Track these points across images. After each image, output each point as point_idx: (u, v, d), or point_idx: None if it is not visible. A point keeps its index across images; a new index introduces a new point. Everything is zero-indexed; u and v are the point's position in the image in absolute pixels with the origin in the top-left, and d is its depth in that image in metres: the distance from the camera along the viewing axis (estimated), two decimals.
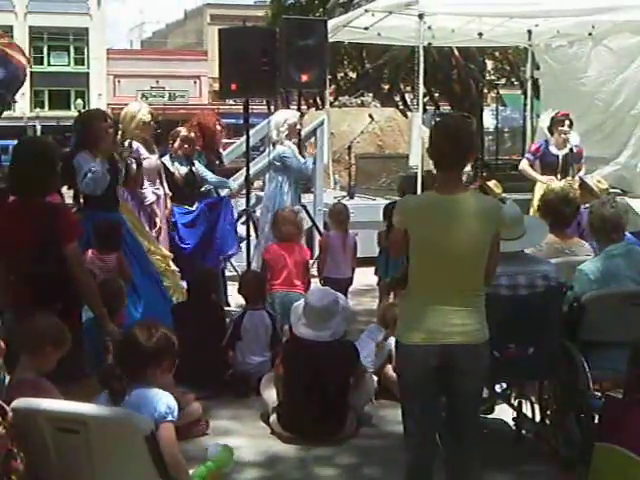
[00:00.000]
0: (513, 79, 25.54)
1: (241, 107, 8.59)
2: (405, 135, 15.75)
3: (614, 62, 11.20)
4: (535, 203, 8.78)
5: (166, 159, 7.44)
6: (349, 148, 12.33)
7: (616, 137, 11.21)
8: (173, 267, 6.91)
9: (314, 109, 19.28)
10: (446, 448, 3.92)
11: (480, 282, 3.78)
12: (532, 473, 4.66)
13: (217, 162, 8.36)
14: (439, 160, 3.76)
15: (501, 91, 27.80)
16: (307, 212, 8.96)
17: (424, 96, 14.64)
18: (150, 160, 7.06)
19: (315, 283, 7.22)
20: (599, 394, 4.52)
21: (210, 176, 7.88)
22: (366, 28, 11.12)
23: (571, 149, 9.26)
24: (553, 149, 9.28)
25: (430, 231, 3.69)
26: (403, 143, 15.67)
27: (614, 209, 4.99)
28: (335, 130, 13.86)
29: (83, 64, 48.97)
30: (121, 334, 4.38)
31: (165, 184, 7.34)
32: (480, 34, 11.37)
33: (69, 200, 6.29)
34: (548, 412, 4.94)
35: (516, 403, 5.02)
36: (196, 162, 7.72)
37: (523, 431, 5.02)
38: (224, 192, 8.17)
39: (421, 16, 9.82)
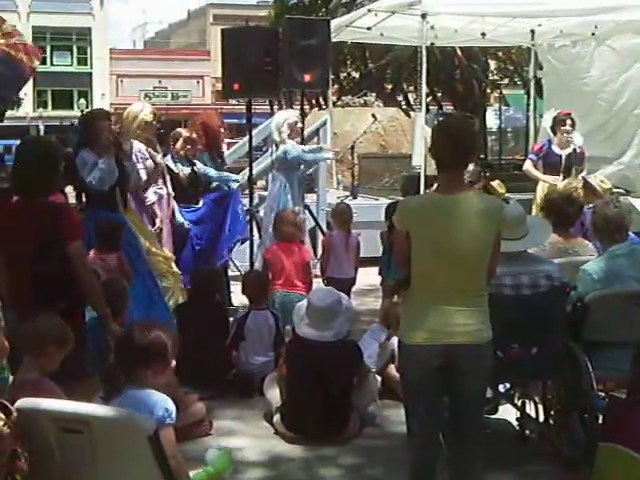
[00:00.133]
0: (516, 79, 25.53)
1: (244, 107, 8.60)
2: (408, 135, 15.75)
3: (617, 62, 11.19)
4: (536, 203, 8.79)
5: (168, 160, 7.43)
6: (352, 148, 12.32)
7: (619, 137, 11.20)
8: (175, 269, 6.90)
9: (317, 109, 19.27)
10: (449, 448, 3.92)
11: (483, 282, 3.78)
12: (535, 473, 4.66)
13: (219, 161, 8.35)
14: (441, 160, 3.75)
15: (504, 91, 27.76)
16: (310, 212, 8.96)
17: (427, 96, 14.65)
18: (151, 161, 7.05)
19: (318, 283, 7.22)
20: (603, 394, 4.52)
21: (213, 172, 7.88)
22: (369, 28, 11.11)
23: (574, 149, 9.24)
24: (556, 149, 9.27)
25: (432, 231, 3.69)
26: (406, 143, 15.67)
27: (617, 209, 4.98)
28: (338, 130, 13.86)
29: (86, 64, 49.03)
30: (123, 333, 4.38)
31: (169, 184, 7.34)
32: (483, 34, 11.37)
33: (72, 200, 6.31)
34: (552, 412, 4.94)
35: (520, 403, 5.02)
36: (197, 162, 7.71)
37: (527, 431, 5.01)
38: (234, 185, 8.14)
39: (424, 16, 9.81)
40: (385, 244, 7.37)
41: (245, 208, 8.37)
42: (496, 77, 27.16)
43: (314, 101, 20.65)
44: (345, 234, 7.49)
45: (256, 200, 8.79)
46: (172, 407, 3.43)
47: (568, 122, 9.25)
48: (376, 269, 7.65)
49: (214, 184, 7.99)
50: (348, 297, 6.14)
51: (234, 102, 18.14)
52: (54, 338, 3.85)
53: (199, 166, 7.70)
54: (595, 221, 5.05)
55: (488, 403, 4.77)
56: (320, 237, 8.95)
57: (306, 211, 8.70)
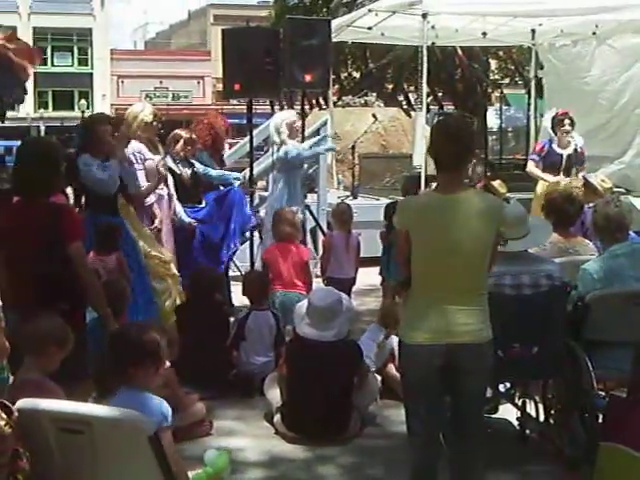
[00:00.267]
0: (517, 78, 25.53)
1: (244, 107, 8.60)
2: (409, 135, 15.76)
3: (618, 61, 11.19)
4: (535, 202, 8.78)
5: (169, 161, 7.42)
6: (353, 148, 12.32)
7: (620, 136, 11.19)
8: (173, 271, 6.88)
9: (317, 109, 19.26)
10: (450, 448, 3.92)
11: (483, 281, 3.79)
12: (536, 473, 4.66)
13: (219, 162, 8.35)
14: (440, 160, 3.75)
15: (505, 90, 27.73)
16: (310, 212, 8.96)
17: (428, 96, 14.64)
18: (152, 162, 7.05)
19: (318, 283, 7.22)
20: (603, 393, 4.52)
21: (213, 172, 7.87)
22: (370, 28, 11.10)
23: (575, 149, 9.24)
24: (557, 148, 9.27)
25: (432, 231, 3.69)
26: (407, 143, 15.67)
27: (618, 208, 4.98)
28: (339, 130, 13.85)
29: (87, 65, 49.04)
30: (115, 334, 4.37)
31: (171, 184, 7.33)
32: (484, 33, 11.36)
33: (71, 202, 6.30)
34: (552, 412, 4.94)
35: (520, 403, 5.01)
36: (196, 162, 7.70)
37: (527, 431, 5.01)
38: (236, 183, 8.13)
39: (425, 16, 9.81)
40: (384, 244, 7.37)
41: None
42: (497, 77, 27.17)
43: (315, 101, 20.65)
44: (345, 234, 7.49)
45: (256, 200, 8.78)
46: (168, 410, 3.42)
47: (566, 122, 9.25)
48: (376, 269, 7.65)
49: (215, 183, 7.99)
50: (348, 297, 6.14)
51: (235, 102, 18.11)
52: (55, 338, 3.85)
53: (198, 166, 7.70)
54: (596, 220, 5.05)
55: (488, 403, 4.77)
56: (320, 237, 8.95)
57: (307, 211, 8.70)
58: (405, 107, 21.60)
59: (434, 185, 3.93)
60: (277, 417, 5.21)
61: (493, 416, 5.07)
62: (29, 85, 6.43)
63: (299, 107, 9.53)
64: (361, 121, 14.69)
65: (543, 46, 12.23)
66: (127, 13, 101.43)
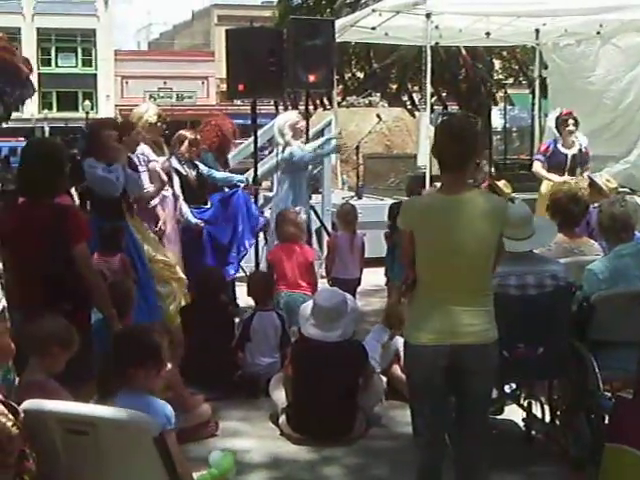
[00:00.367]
0: (521, 78, 25.48)
1: (249, 107, 8.60)
2: (413, 135, 15.76)
3: (623, 61, 11.17)
4: (539, 202, 8.76)
5: (174, 162, 7.41)
6: (357, 148, 12.31)
7: (625, 136, 11.16)
8: (179, 274, 6.88)
9: (321, 109, 19.25)
10: (455, 448, 3.92)
11: (488, 282, 3.78)
12: (542, 474, 4.65)
13: (223, 163, 8.35)
14: (444, 160, 3.74)
15: (509, 90, 27.70)
16: (315, 212, 8.96)
17: (432, 96, 14.60)
18: (155, 163, 7.04)
19: (323, 284, 7.21)
20: (609, 394, 4.51)
21: (217, 174, 7.87)
22: (373, 28, 11.09)
23: (580, 149, 9.23)
24: (562, 148, 9.25)
25: (436, 232, 3.69)
26: (411, 143, 15.68)
27: (623, 208, 4.97)
28: (343, 130, 13.85)
29: (91, 65, 49.05)
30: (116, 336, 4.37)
31: (177, 185, 7.32)
32: (487, 33, 11.34)
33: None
34: (558, 412, 4.93)
35: (526, 403, 5.01)
36: (200, 164, 7.70)
37: (533, 431, 5.00)
38: (241, 185, 8.13)
39: (428, 16, 9.81)
40: (388, 244, 7.36)
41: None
42: (501, 77, 27.11)
43: (319, 101, 20.60)
44: (350, 235, 7.49)
45: (261, 201, 8.78)
46: (171, 412, 3.42)
47: (570, 122, 9.23)
48: (381, 269, 7.64)
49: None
50: (353, 298, 6.14)
51: (239, 103, 18.14)
52: (58, 339, 3.85)
53: (202, 168, 7.70)
54: (601, 220, 5.04)
55: (494, 403, 4.77)
56: (325, 238, 8.94)
57: (311, 211, 8.70)
58: (409, 107, 21.56)
59: (438, 185, 3.93)
60: (282, 418, 5.21)
61: (499, 417, 5.07)
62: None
63: (303, 107, 9.53)
64: (365, 121, 14.69)
65: (547, 46, 12.22)
66: (131, 14, 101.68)
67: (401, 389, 5.28)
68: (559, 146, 9.28)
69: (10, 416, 3.07)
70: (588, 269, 4.78)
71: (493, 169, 17.09)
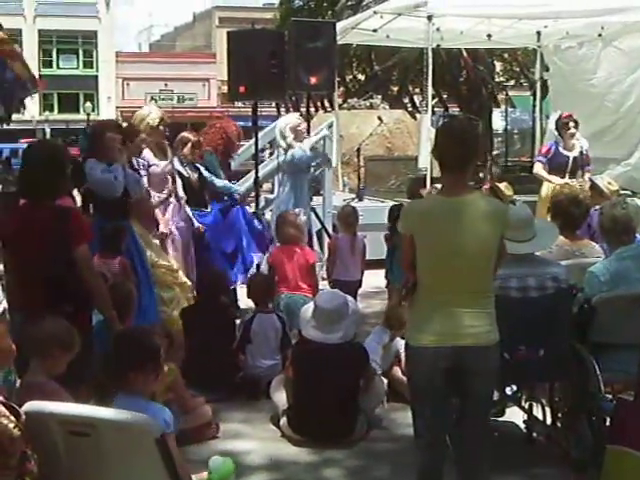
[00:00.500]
0: (522, 81, 25.48)
1: (250, 109, 8.60)
2: (414, 137, 15.79)
3: (625, 63, 11.15)
4: (540, 205, 8.76)
5: (177, 164, 7.41)
6: (358, 150, 12.33)
7: (627, 138, 11.15)
8: (182, 279, 6.87)
9: (323, 111, 19.26)
10: (456, 450, 3.92)
11: (489, 284, 3.79)
12: (543, 476, 4.65)
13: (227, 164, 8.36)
14: (445, 162, 3.75)
15: (510, 93, 27.70)
16: (316, 214, 8.96)
17: (433, 98, 14.61)
18: (156, 168, 7.04)
19: (324, 286, 7.21)
20: (610, 396, 4.50)
21: (217, 181, 7.87)
22: (375, 30, 11.10)
23: (581, 152, 9.22)
24: (563, 151, 9.25)
25: (437, 235, 3.69)
26: (412, 145, 15.70)
27: (625, 210, 4.98)
28: (344, 132, 13.88)
29: (92, 67, 49.11)
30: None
31: (179, 188, 7.32)
32: (489, 36, 11.33)
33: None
34: (559, 414, 4.93)
35: (527, 405, 5.01)
36: (201, 168, 7.70)
37: (534, 434, 5.01)
38: (236, 196, 8.15)
39: (430, 18, 9.81)
40: (388, 246, 7.37)
41: (251, 211, 8.37)
42: (502, 79, 27.10)
43: (320, 103, 20.61)
44: (351, 237, 7.49)
45: (262, 203, 8.78)
46: (170, 417, 3.41)
47: (571, 124, 9.22)
48: (382, 271, 7.64)
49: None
50: (354, 300, 6.14)
51: (240, 105, 18.13)
52: (58, 341, 3.85)
53: (205, 174, 7.69)
54: (602, 222, 5.04)
55: (495, 405, 4.76)
56: (326, 240, 8.94)
57: (312, 213, 8.70)
58: (410, 109, 21.56)
59: (438, 186, 3.93)
60: (283, 420, 5.21)
61: (500, 419, 5.07)
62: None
63: (304, 109, 9.53)
64: (366, 123, 14.72)
65: (548, 48, 12.21)
66: (132, 15, 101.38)
67: (402, 391, 5.28)
68: (560, 148, 9.28)
69: (12, 418, 3.07)
70: (589, 271, 4.78)
71: (498, 170, 17.13)
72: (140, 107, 7.84)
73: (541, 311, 4.52)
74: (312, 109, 12.61)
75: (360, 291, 7.53)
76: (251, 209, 8.44)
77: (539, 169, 9.39)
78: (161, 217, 7.10)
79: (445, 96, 23.59)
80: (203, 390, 5.39)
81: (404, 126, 16.67)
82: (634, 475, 4.01)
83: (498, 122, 27.85)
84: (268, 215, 8.68)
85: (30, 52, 36.87)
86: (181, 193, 7.32)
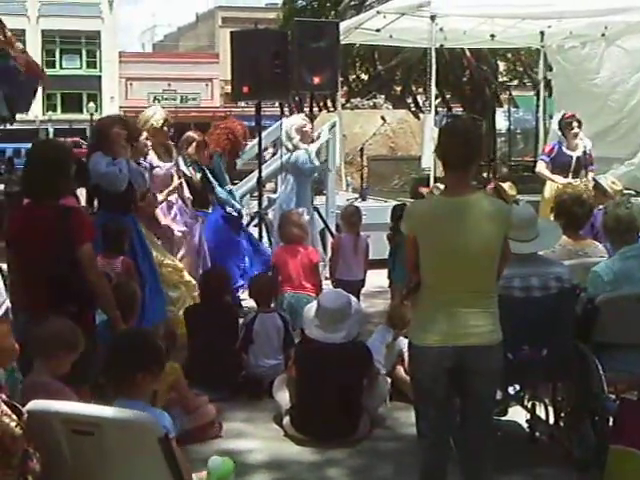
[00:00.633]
0: (525, 80, 25.48)
1: (253, 109, 8.61)
2: (417, 137, 15.76)
3: (628, 63, 11.16)
4: (543, 204, 8.76)
5: (180, 164, 7.41)
6: (361, 150, 12.32)
7: (630, 138, 11.15)
8: (187, 278, 6.88)
9: (326, 111, 19.27)
10: (459, 450, 3.92)
11: (492, 284, 3.78)
12: (546, 475, 4.65)
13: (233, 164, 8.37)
14: (448, 161, 3.75)
15: (513, 92, 27.70)
16: (319, 214, 8.96)
17: (436, 98, 14.62)
18: (159, 170, 7.04)
19: (327, 285, 7.21)
20: (613, 396, 4.50)
21: (219, 190, 7.86)
22: (378, 30, 11.11)
23: (584, 152, 9.22)
24: (567, 150, 9.25)
25: (441, 235, 3.69)
26: (415, 145, 15.68)
27: (628, 210, 4.98)
28: (347, 132, 13.87)
29: (95, 67, 49.18)
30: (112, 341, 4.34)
31: (185, 189, 7.32)
32: (492, 35, 11.35)
33: (83, 203, 6.31)
34: (562, 414, 4.93)
35: (530, 405, 5.01)
36: (207, 170, 7.70)
37: (537, 433, 5.01)
38: (237, 206, 8.16)
39: (433, 18, 9.82)
40: (391, 246, 7.36)
41: (255, 210, 8.38)
42: (505, 78, 27.11)
43: (323, 103, 20.64)
44: (354, 236, 7.49)
45: (265, 202, 8.79)
46: (170, 422, 3.40)
47: (574, 124, 9.23)
48: (385, 271, 7.64)
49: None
50: (357, 299, 6.13)
51: (243, 105, 18.13)
52: (63, 341, 3.86)
53: (210, 178, 7.70)
54: (606, 222, 5.04)
55: (498, 405, 4.76)
56: (329, 239, 8.95)
57: (315, 213, 8.70)
58: (413, 109, 21.59)
59: (440, 185, 3.93)
60: (286, 419, 5.21)
61: (503, 418, 5.07)
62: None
63: (308, 109, 9.54)
64: (369, 123, 14.70)
65: (552, 48, 12.22)
66: (135, 16, 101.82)
67: (405, 390, 5.28)
68: (564, 148, 9.28)
69: (14, 416, 3.07)
70: (593, 271, 4.78)
71: (505, 170, 17.12)
72: (143, 107, 7.87)
73: (544, 311, 4.52)
74: (315, 109, 12.64)
75: (363, 291, 7.52)
76: (253, 208, 8.46)
77: (542, 168, 9.39)
78: (162, 219, 7.09)
79: (448, 96, 23.61)
80: (206, 389, 5.39)
81: (407, 126, 16.65)
82: (637, 475, 4.01)
83: (501, 122, 27.82)
84: (270, 214, 8.68)
85: (33, 52, 36.62)
86: (187, 193, 7.32)
